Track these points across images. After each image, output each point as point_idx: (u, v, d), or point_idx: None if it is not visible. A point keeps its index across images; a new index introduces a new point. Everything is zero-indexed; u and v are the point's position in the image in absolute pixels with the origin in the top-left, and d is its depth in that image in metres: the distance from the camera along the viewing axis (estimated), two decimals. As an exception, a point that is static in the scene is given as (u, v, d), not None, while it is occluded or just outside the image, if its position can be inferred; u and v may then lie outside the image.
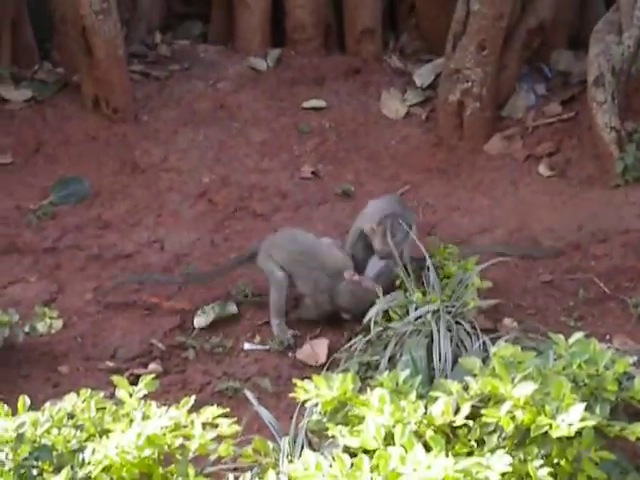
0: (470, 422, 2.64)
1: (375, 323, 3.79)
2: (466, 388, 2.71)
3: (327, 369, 3.68)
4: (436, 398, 2.68)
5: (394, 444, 2.52)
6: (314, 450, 2.85)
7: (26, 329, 3.92)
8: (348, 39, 5.95)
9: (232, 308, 4.20)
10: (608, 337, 3.79)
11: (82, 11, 5.12)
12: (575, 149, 5.13)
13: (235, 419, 2.82)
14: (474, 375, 2.76)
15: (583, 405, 2.56)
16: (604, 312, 4.03)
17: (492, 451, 2.55)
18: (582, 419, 2.53)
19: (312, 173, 5.23)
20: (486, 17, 5.11)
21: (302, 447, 2.91)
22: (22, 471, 2.60)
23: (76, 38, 5.24)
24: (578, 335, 2.90)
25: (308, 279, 4.09)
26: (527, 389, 2.60)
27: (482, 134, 5.31)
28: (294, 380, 2.89)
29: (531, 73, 5.58)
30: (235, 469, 2.92)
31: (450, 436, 2.65)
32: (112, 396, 2.91)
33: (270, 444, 2.91)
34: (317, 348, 3.93)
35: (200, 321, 4.14)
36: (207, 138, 5.37)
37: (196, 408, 2.80)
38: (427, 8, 5.84)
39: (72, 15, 5.22)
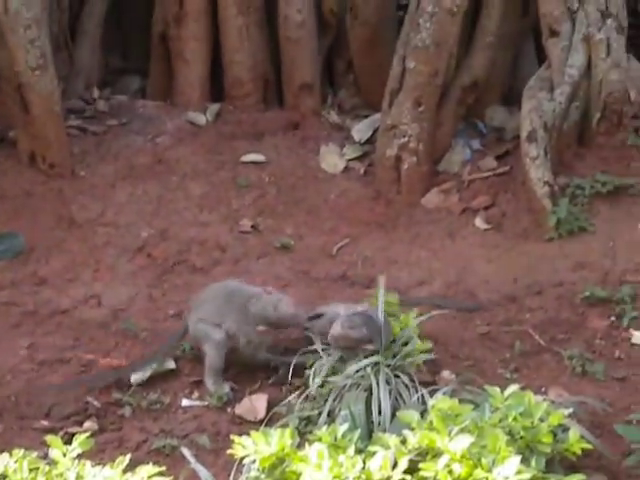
0: (408, 476, 2.64)
1: (314, 377, 3.78)
2: (404, 442, 2.71)
3: (266, 424, 3.65)
4: (374, 452, 2.67)
5: (332, 500, 2.50)
6: (252, 507, 2.82)
7: (-42, 388, 3.84)
8: (286, 94, 6.02)
9: (170, 364, 4.16)
10: (544, 389, 3.82)
11: (17, 67, 5.10)
12: (510, 203, 5.21)
13: (172, 477, 2.78)
14: (412, 428, 2.76)
15: (519, 458, 2.58)
16: (539, 364, 4.07)
17: (430, 505, 2.55)
18: (518, 472, 2.54)
19: (251, 227, 5.24)
20: (422, 74, 5.21)
21: (240, 505, 2.88)
22: (-49, 536, 2.53)
23: (11, 94, 5.21)
24: (513, 387, 2.92)
25: (239, 318, 4.02)
26: (464, 442, 2.61)
27: (419, 188, 5.38)
28: (232, 436, 2.86)
29: (466, 129, 5.68)
30: (172, 529, 2.88)
31: (388, 491, 2.64)
32: (46, 456, 2.86)
33: (207, 502, 2.87)
34: (256, 403, 3.90)
35: (137, 377, 4.09)
36: (145, 192, 5.36)
37: (132, 467, 2.76)
38: (364, 65, 5.93)
39: (7, 71, 5.19)
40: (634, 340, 4.21)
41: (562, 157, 5.19)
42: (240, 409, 3.89)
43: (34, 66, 5.11)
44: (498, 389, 2.92)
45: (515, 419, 2.80)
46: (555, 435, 2.87)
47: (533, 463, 2.68)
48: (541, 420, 2.81)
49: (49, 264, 4.87)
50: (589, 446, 2.93)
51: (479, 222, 5.20)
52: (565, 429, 2.98)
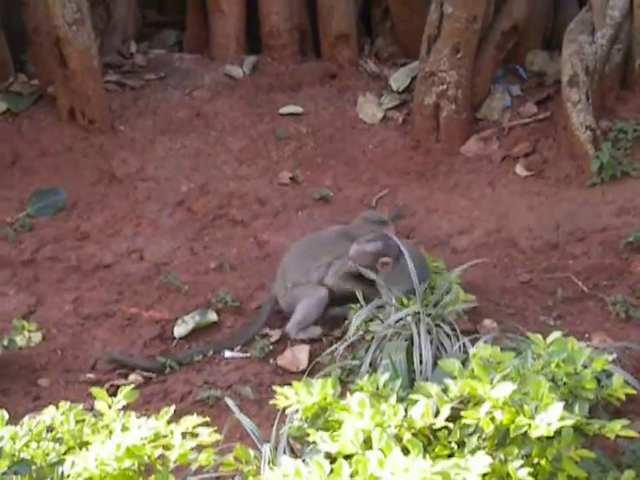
0: (450, 424, 2.64)
1: (356, 327, 3.79)
2: (445, 390, 2.71)
3: (308, 374, 3.67)
4: (416, 401, 2.68)
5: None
6: (296, 456, 2.85)
7: (5, 343, 3.90)
8: (323, 44, 5.97)
9: (212, 316, 4.19)
10: (587, 335, 3.80)
11: (55, 22, 5.11)
12: (551, 149, 5.15)
13: (216, 428, 2.81)
14: (454, 377, 2.76)
15: (562, 404, 2.56)
16: (583, 310, 4.05)
17: (472, 452, 2.55)
18: (561, 418, 2.53)
19: (290, 179, 5.23)
20: (460, 20, 5.13)
21: (284, 454, 2.91)
22: (1, 486, 2.59)
23: (50, 49, 5.23)
24: (556, 334, 2.90)
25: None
26: (506, 389, 2.60)
27: (458, 136, 5.33)
28: (274, 387, 2.88)
29: (506, 74, 5.60)
30: (217, 478, 2.91)
31: (431, 438, 2.65)
32: (92, 408, 2.90)
33: (251, 452, 2.90)
34: (298, 354, 3.93)
35: (180, 330, 4.13)
36: (184, 147, 5.37)
37: (177, 418, 2.79)
38: (401, 12, 5.86)
39: (46, 26, 5.21)
40: (679, 285, 4.17)
41: (604, 101, 5.11)
42: (282, 360, 3.92)
43: (71, 21, 5.11)
44: (540, 336, 2.90)
45: (558, 365, 2.77)
46: (599, 381, 2.84)
47: (576, 409, 2.67)
48: (584, 366, 2.79)
49: (91, 219, 4.91)
50: (633, 391, 2.90)
51: (520, 169, 5.15)
52: (609, 375, 2.96)
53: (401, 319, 3.71)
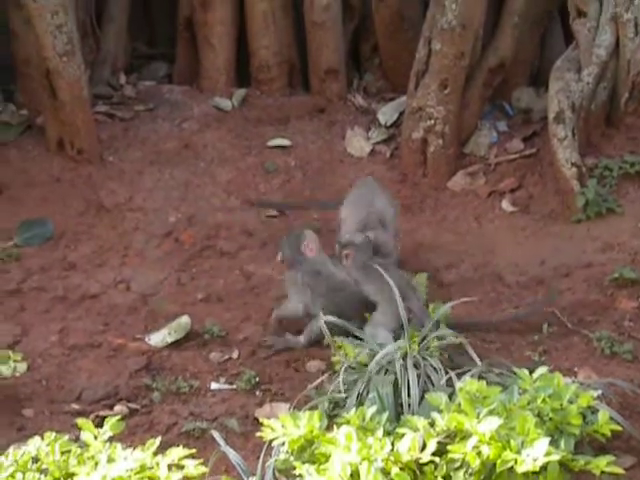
0: (437, 458, 2.65)
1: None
2: (432, 424, 2.72)
3: (295, 407, 3.66)
4: (403, 434, 2.68)
5: (361, 482, 2.52)
6: (282, 490, 2.84)
7: (-10, 372, 3.88)
8: (312, 79, 6.01)
9: (185, 319, 4.22)
10: (574, 370, 3.81)
11: (45, 53, 5.13)
12: (537, 185, 5.19)
13: (202, 460, 2.80)
14: (440, 411, 2.77)
15: (548, 440, 2.58)
16: (568, 346, 4.06)
17: (459, 487, 2.55)
18: (547, 454, 2.55)
19: (278, 211, 5.24)
20: (447, 56, 5.19)
21: (270, 487, 2.90)
22: (-15, 517, 2.57)
23: (40, 80, 5.25)
24: (542, 370, 2.92)
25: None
26: (492, 424, 2.61)
27: (445, 171, 5.37)
28: (261, 419, 2.88)
29: (493, 110, 5.66)
30: (202, 510, 2.90)
31: (417, 473, 2.65)
32: (78, 439, 2.89)
33: (237, 484, 2.90)
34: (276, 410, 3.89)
35: (156, 339, 4.17)
36: (173, 178, 5.39)
37: (163, 449, 2.78)
38: (390, 48, 5.91)
39: (36, 57, 5.23)
40: (663, 322, 4.19)
41: (590, 138, 5.16)
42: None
43: (61, 52, 5.13)
44: (527, 371, 2.91)
45: (544, 401, 2.79)
46: (584, 417, 2.86)
47: (562, 445, 2.69)
48: (570, 402, 2.81)
49: (78, 249, 4.91)
50: (618, 428, 2.92)
51: (506, 205, 5.18)
52: (594, 411, 2.97)
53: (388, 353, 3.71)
